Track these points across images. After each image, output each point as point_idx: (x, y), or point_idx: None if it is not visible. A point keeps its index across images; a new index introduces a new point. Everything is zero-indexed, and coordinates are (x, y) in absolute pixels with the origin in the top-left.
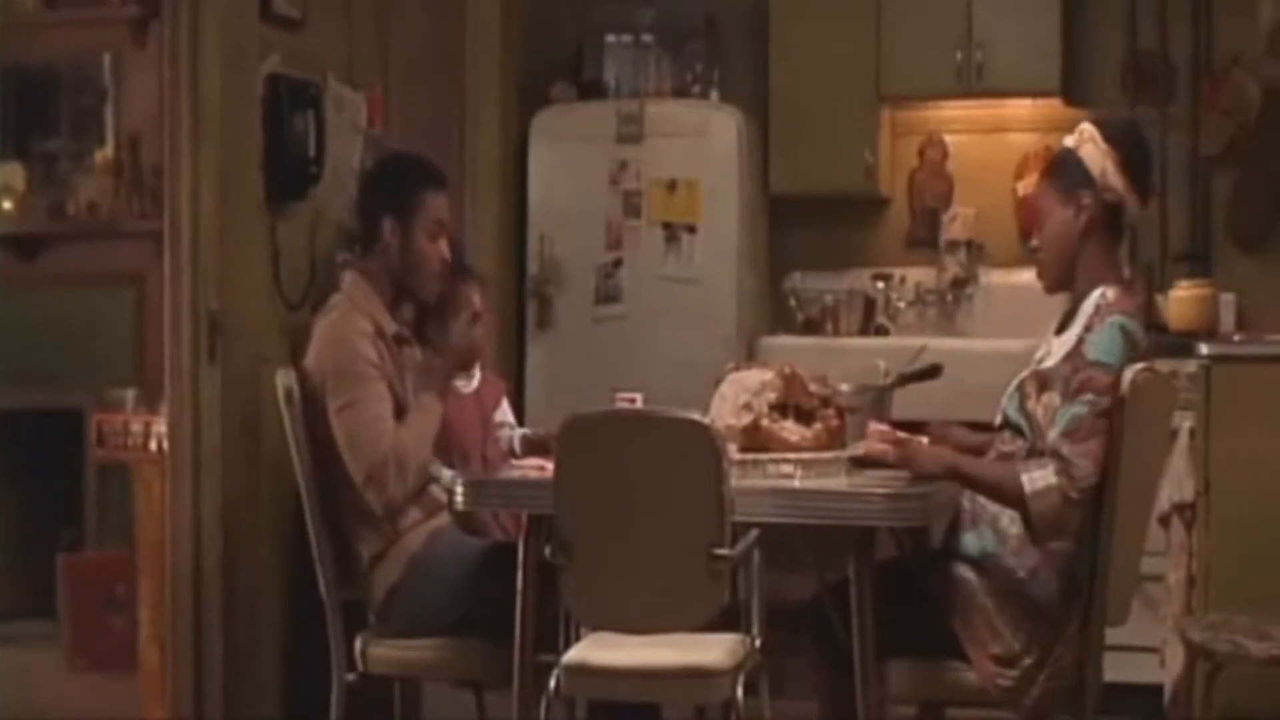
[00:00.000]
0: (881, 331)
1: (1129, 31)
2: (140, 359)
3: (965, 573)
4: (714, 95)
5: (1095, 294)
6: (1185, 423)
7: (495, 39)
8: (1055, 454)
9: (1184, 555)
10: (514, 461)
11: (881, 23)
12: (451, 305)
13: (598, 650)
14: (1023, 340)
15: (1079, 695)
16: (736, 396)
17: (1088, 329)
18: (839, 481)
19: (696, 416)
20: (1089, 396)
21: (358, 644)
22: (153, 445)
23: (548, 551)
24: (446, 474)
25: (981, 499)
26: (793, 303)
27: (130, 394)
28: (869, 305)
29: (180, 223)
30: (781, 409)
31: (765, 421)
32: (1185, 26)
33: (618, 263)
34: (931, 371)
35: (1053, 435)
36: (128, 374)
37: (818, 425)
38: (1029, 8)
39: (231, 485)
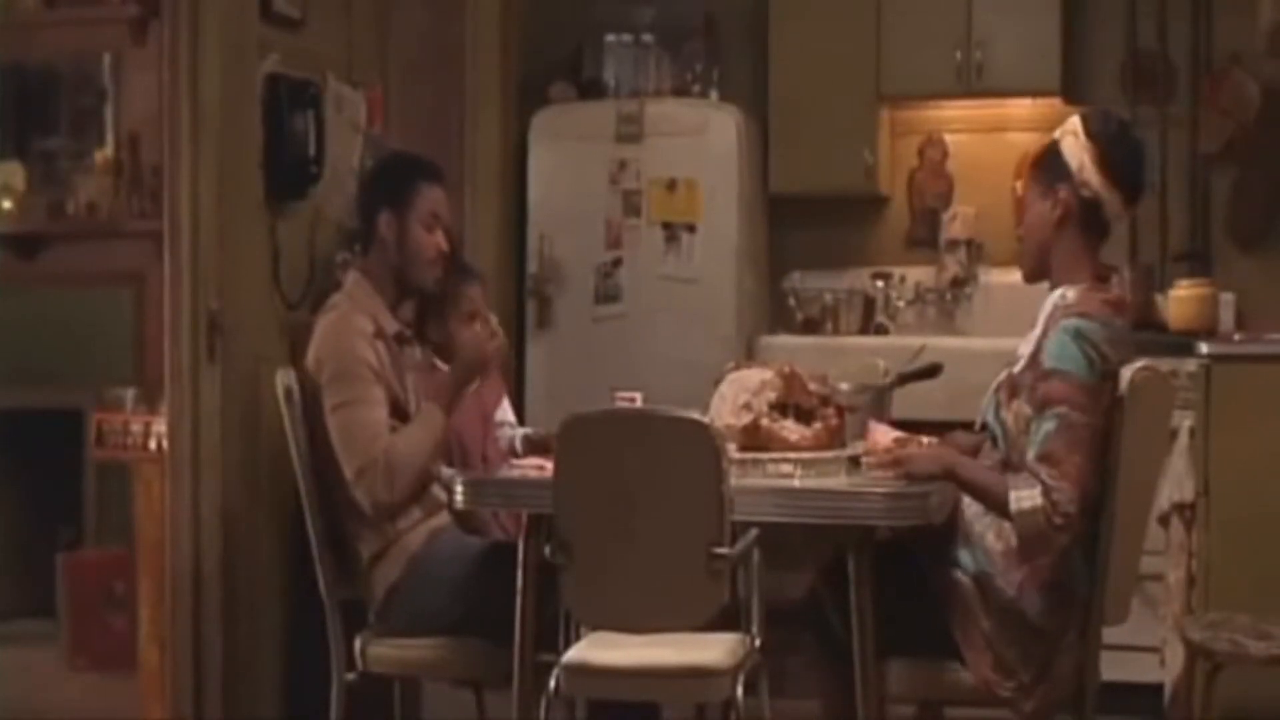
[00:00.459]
0: (881, 331)
1: (1129, 31)
2: (140, 358)
3: (965, 583)
4: (714, 95)
5: (1055, 294)
6: (1185, 422)
7: (495, 38)
8: (1036, 477)
9: (1184, 555)
10: (514, 461)
11: (881, 22)
12: (453, 305)
13: (598, 650)
14: (1022, 340)
15: (1079, 696)
16: (736, 396)
17: (1045, 334)
18: (839, 480)
19: (696, 416)
20: (1058, 410)
21: (357, 643)
22: (152, 445)
23: (547, 551)
24: (446, 473)
25: (969, 516)
26: (792, 302)
27: (130, 393)
28: (869, 304)
29: (180, 222)
30: (781, 408)
31: (765, 421)
32: (1185, 26)
33: (617, 262)
34: (931, 371)
35: (1030, 456)
36: (127, 374)
37: (817, 424)
38: (1029, 7)
39: (231, 485)
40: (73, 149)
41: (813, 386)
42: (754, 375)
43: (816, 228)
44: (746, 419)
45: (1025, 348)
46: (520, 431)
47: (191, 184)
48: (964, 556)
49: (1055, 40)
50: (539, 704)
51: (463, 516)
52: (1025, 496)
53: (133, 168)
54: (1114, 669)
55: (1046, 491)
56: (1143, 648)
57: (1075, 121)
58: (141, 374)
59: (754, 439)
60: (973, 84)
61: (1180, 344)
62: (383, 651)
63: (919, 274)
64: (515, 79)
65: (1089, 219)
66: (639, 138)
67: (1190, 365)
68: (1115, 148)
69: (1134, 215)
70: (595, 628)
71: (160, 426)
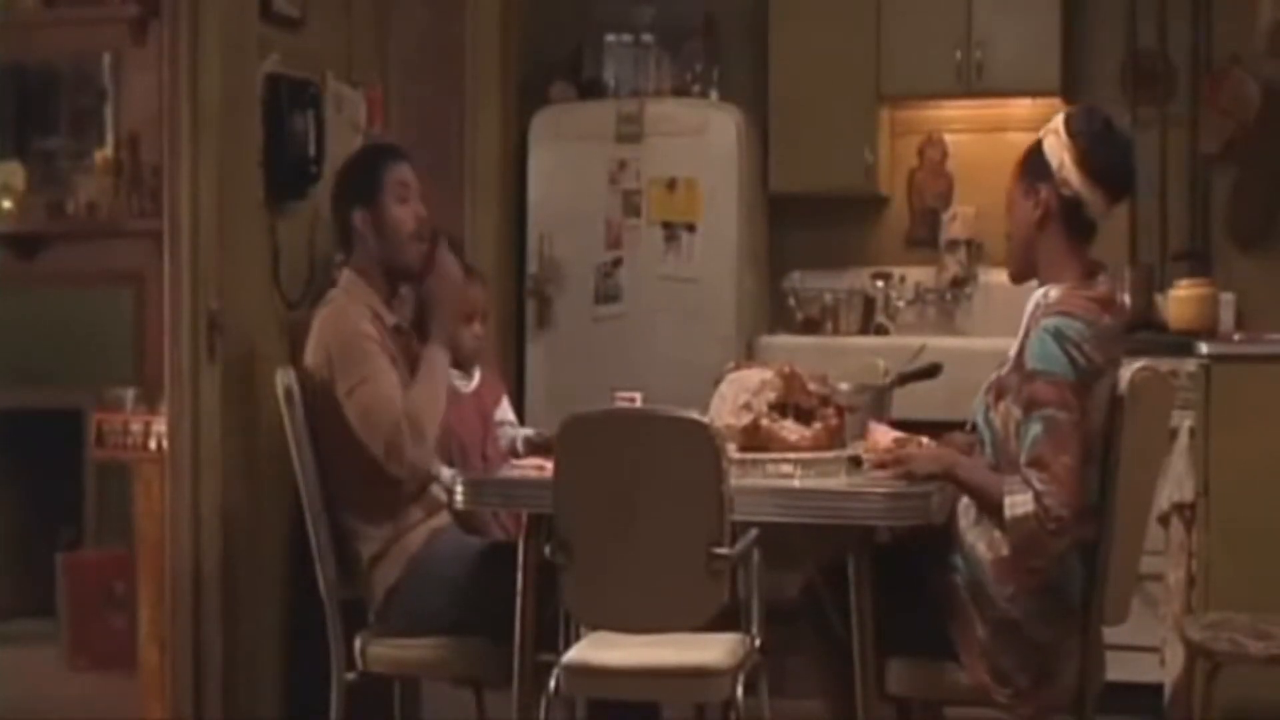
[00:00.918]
0: (881, 331)
1: (1129, 31)
2: (140, 358)
3: (960, 589)
4: (714, 94)
5: (1038, 294)
6: (1185, 422)
7: (495, 38)
8: (1028, 484)
9: (1184, 555)
10: (514, 461)
11: (881, 22)
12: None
13: (598, 650)
14: (1014, 341)
15: (1079, 697)
16: (736, 396)
17: (1026, 334)
18: (838, 481)
19: (696, 416)
20: (1043, 412)
21: (357, 643)
22: (152, 445)
23: (547, 551)
24: (446, 473)
25: (961, 526)
26: (792, 302)
27: (130, 393)
28: (868, 304)
29: (180, 222)
30: (781, 408)
31: (765, 421)
32: (1185, 26)
33: (617, 262)
34: (931, 370)
35: (1022, 460)
36: (127, 373)
37: (817, 424)
38: (1029, 7)
39: (231, 484)
40: (73, 149)
41: (813, 387)
42: (754, 375)
43: (816, 227)
44: (746, 419)
45: (1013, 349)
46: (521, 432)
47: (191, 184)
48: (959, 562)
49: (1055, 40)
50: (539, 704)
51: (463, 516)
52: (1019, 503)
53: (133, 167)
54: (1114, 669)
55: (1038, 497)
56: (1143, 647)
57: (1058, 119)
58: (141, 374)
59: (754, 439)
60: (973, 84)
61: (1180, 344)
62: (383, 651)
63: (919, 274)
64: (515, 79)
65: (1071, 218)
66: (639, 137)
67: (1190, 365)
68: (1096, 146)
69: (1134, 214)
70: (595, 628)
71: (160, 426)
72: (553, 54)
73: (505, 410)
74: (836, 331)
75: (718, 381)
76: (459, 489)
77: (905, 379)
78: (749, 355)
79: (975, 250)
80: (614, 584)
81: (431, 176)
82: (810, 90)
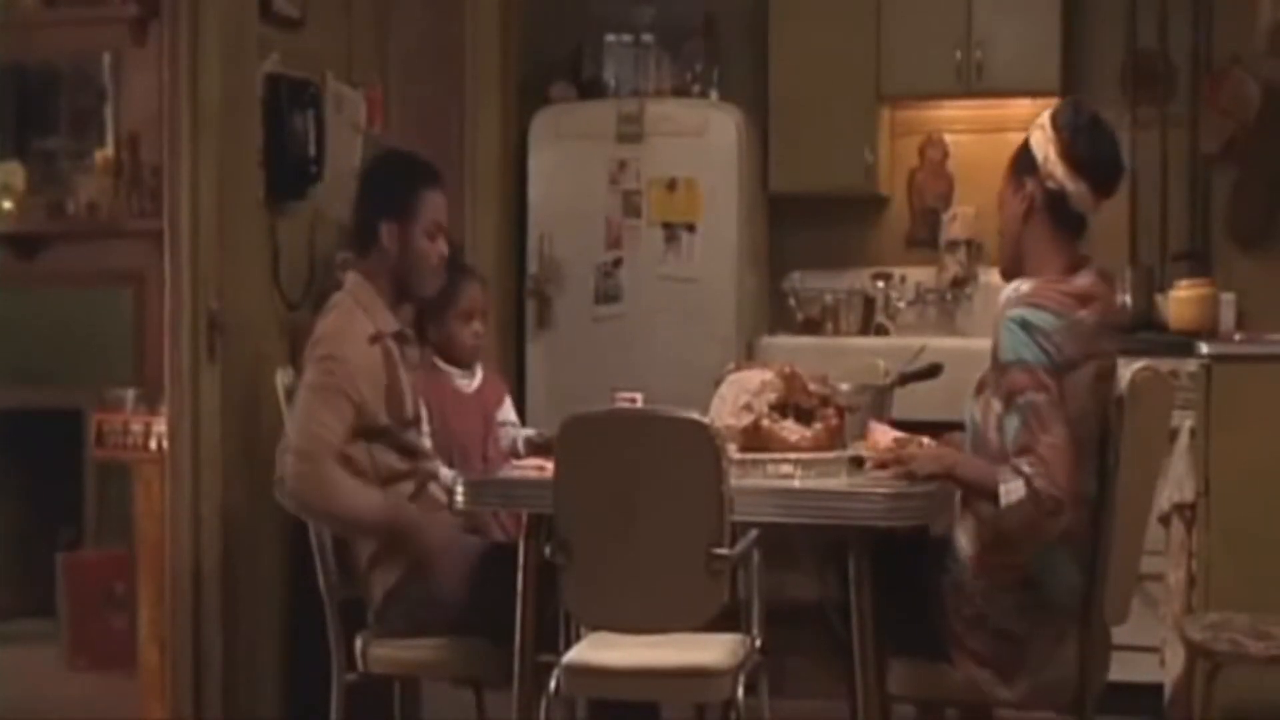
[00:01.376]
0: (881, 331)
1: (1129, 31)
2: (140, 358)
3: (945, 584)
4: (714, 94)
5: (1010, 286)
6: (1185, 422)
7: (495, 38)
8: (1018, 471)
9: (1184, 555)
10: (514, 461)
11: (881, 22)
12: (451, 303)
13: (598, 650)
14: None
15: (1079, 696)
16: (736, 397)
17: (996, 328)
18: (839, 481)
19: (697, 416)
20: (1021, 400)
21: (358, 644)
22: (153, 445)
23: (548, 551)
24: (446, 473)
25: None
26: (792, 302)
27: (130, 394)
28: (869, 305)
29: (180, 222)
30: (781, 409)
31: (765, 421)
32: (1185, 26)
33: (617, 262)
34: (931, 371)
35: (1010, 452)
36: (127, 373)
37: (817, 425)
38: (1029, 7)
39: (231, 484)
40: (73, 149)
41: (813, 387)
42: (754, 376)
43: (816, 228)
44: (747, 420)
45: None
46: (522, 433)
47: (191, 184)
48: (949, 561)
49: (1055, 40)
50: (539, 704)
51: (463, 517)
52: (1012, 490)
53: (133, 167)
54: (1114, 669)
55: (1029, 481)
56: (1143, 648)
57: (1045, 114)
58: (141, 374)
59: (754, 439)
60: (973, 84)
61: (1180, 344)
62: (383, 652)
63: (919, 274)
64: (515, 79)
65: (1057, 211)
66: (639, 137)
67: (1190, 365)
68: (1079, 138)
69: (1134, 215)
70: (595, 628)
71: (160, 426)
72: (553, 54)
73: (507, 410)
74: (837, 332)
75: (718, 382)
76: (459, 490)
77: (906, 379)
78: (749, 355)
79: (975, 250)
80: (614, 584)
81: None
82: (810, 90)
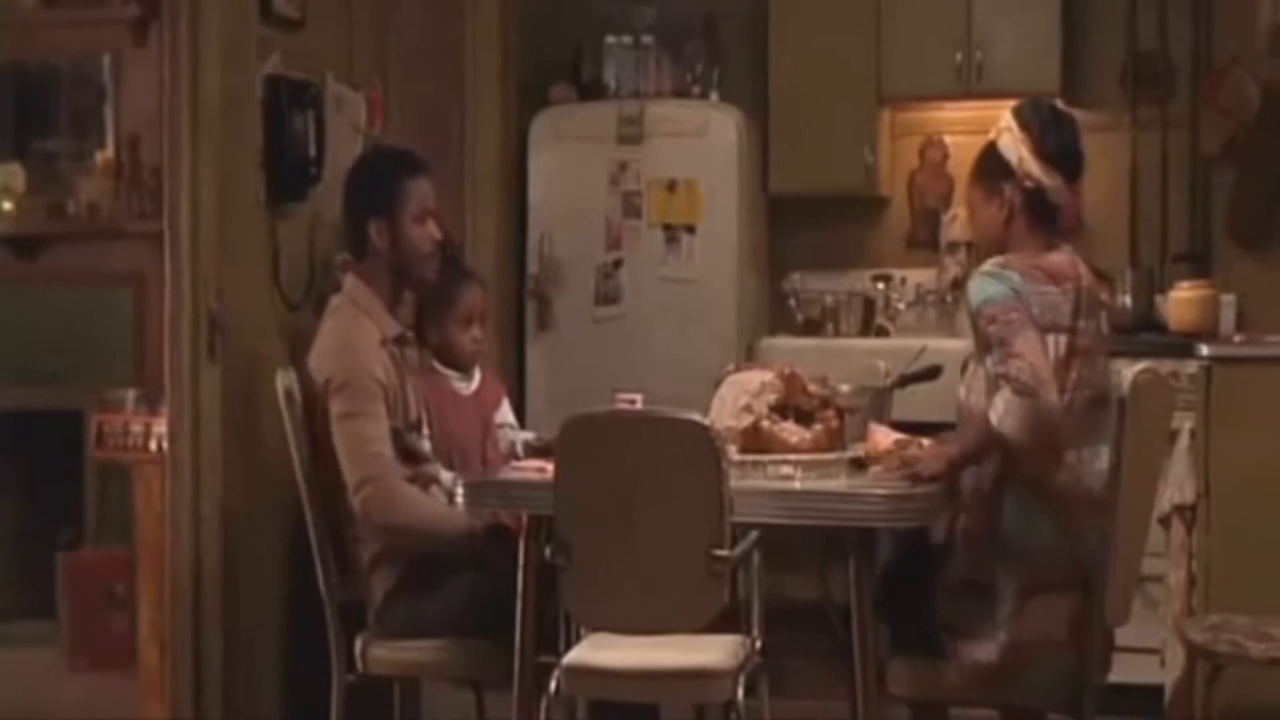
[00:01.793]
0: (881, 332)
1: (1129, 31)
2: (140, 359)
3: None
4: (714, 95)
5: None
6: (1186, 424)
7: (495, 39)
8: (1000, 378)
9: (1184, 556)
10: (514, 463)
11: (881, 23)
12: (450, 307)
13: (598, 651)
14: None
15: (1079, 695)
16: (736, 398)
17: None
18: (839, 482)
19: (697, 417)
20: (995, 328)
21: (358, 645)
22: (153, 446)
23: (548, 552)
24: (446, 476)
25: None
26: (793, 303)
27: (130, 394)
28: (869, 306)
29: (180, 223)
30: (781, 410)
31: (765, 423)
32: (1185, 26)
33: (617, 263)
34: (931, 372)
35: (993, 372)
36: (127, 374)
37: (817, 426)
38: (1029, 7)
39: (231, 485)
40: (73, 150)
41: (813, 388)
42: (754, 377)
43: (817, 229)
44: (747, 421)
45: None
46: (521, 436)
47: (192, 185)
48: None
49: (1055, 41)
50: (539, 705)
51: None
52: (999, 403)
53: (133, 168)
54: (1114, 670)
55: (1009, 379)
56: (1143, 649)
57: (1008, 116)
58: (141, 374)
59: (754, 441)
60: (973, 85)
61: (1181, 345)
62: (383, 653)
63: (919, 275)
64: (515, 80)
65: (1035, 207)
66: (639, 139)
67: (1191, 367)
68: (1048, 132)
69: (1134, 216)
70: (595, 629)
71: (160, 427)
72: (553, 55)
73: (505, 412)
74: (837, 333)
75: (718, 383)
76: (459, 492)
77: (906, 381)
78: (749, 357)
79: (976, 252)
80: (614, 585)
81: (432, 177)
82: (810, 91)
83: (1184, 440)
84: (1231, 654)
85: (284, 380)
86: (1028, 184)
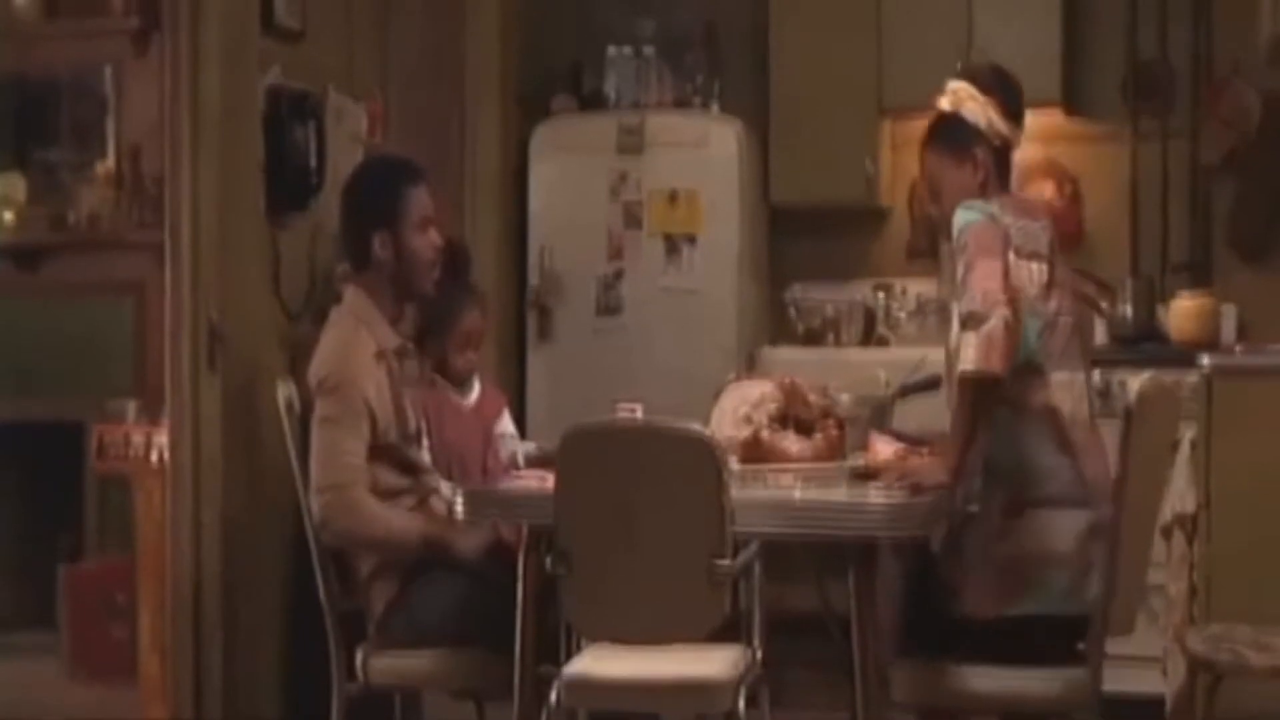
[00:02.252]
0: (882, 342)
1: (1129, 41)
2: (141, 369)
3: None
4: (715, 106)
5: None
6: (1187, 434)
7: (495, 50)
8: (961, 317)
9: (1185, 566)
10: (515, 473)
11: (882, 33)
12: (451, 327)
13: (599, 662)
14: None
15: (1082, 707)
16: (737, 408)
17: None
18: (839, 493)
19: (697, 428)
20: (968, 254)
21: (359, 655)
22: (154, 456)
23: (548, 563)
24: (445, 486)
25: None
26: (793, 313)
27: (131, 405)
28: (870, 316)
29: (181, 233)
30: (781, 420)
31: (765, 433)
32: (1186, 36)
33: (618, 274)
34: (932, 383)
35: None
36: (128, 384)
37: (818, 436)
38: (1029, 18)
39: (232, 495)
40: (74, 160)
41: (813, 399)
42: (754, 388)
43: (817, 239)
44: (747, 431)
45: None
46: (522, 447)
47: (192, 195)
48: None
49: (1056, 51)
50: (540, 716)
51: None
52: (960, 349)
53: (134, 179)
54: (1116, 680)
55: (960, 320)
56: (1144, 659)
57: (964, 87)
58: (142, 384)
59: (755, 452)
60: None
61: (1182, 356)
62: (384, 664)
63: (920, 286)
64: (516, 91)
65: (1002, 163)
66: (640, 149)
67: (1192, 377)
68: (1008, 92)
69: (1135, 226)
70: (596, 640)
71: (161, 438)
72: (554, 66)
73: (506, 423)
74: (838, 343)
75: (718, 394)
76: (460, 502)
77: (906, 391)
78: (750, 367)
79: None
80: (615, 596)
81: (433, 188)
82: (811, 101)
83: (1185, 450)
84: (1232, 664)
85: (284, 390)
86: (996, 143)
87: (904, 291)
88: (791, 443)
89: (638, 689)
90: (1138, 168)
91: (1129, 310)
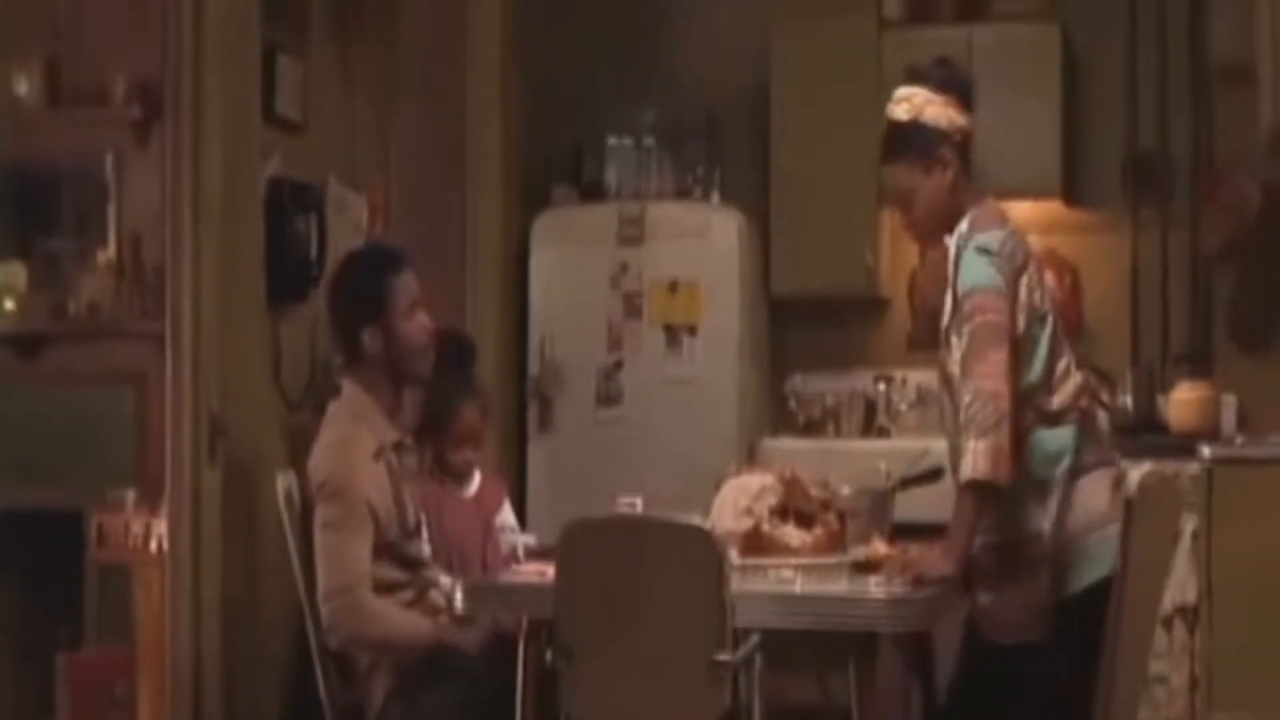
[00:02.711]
0: (883, 433)
1: (1129, 131)
2: (141, 458)
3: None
4: (715, 197)
5: (954, 237)
6: (1188, 525)
7: (496, 141)
8: (967, 424)
9: (1186, 657)
10: (515, 566)
11: (882, 125)
12: (449, 425)
13: None
14: None
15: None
16: (737, 501)
17: (956, 266)
18: (840, 586)
19: (698, 522)
20: (973, 322)
21: None
22: (153, 546)
23: (548, 656)
24: (445, 580)
25: None
26: (794, 404)
27: (130, 494)
28: (870, 407)
29: (181, 323)
30: (782, 513)
31: (766, 526)
32: (1185, 125)
33: (619, 364)
34: (934, 474)
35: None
36: (128, 473)
37: (818, 529)
38: (1028, 108)
39: (231, 585)
40: (75, 249)
41: (814, 491)
42: (754, 480)
43: (818, 329)
44: (747, 524)
45: (948, 295)
46: (521, 540)
47: (193, 285)
48: None
49: (1055, 141)
50: None
51: (462, 622)
52: (966, 455)
53: (135, 268)
54: None
55: (971, 425)
56: None
57: (918, 92)
58: (142, 474)
59: (755, 544)
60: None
61: (1182, 446)
62: None
63: (920, 376)
64: (517, 181)
65: (965, 155)
66: (640, 240)
67: (1192, 468)
68: (964, 87)
69: (1136, 316)
70: None
71: (161, 527)
72: (554, 156)
73: (506, 514)
74: (838, 434)
75: (718, 485)
76: (460, 595)
77: (908, 483)
78: (751, 457)
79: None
80: (616, 689)
81: (433, 278)
82: (811, 192)
83: (1186, 541)
84: None
85: (284, 482)
86: (957, 138)
87: (904, 382)
88: (792, 535)
89: None
90: (1138, 257)
91: (1129, 401)
